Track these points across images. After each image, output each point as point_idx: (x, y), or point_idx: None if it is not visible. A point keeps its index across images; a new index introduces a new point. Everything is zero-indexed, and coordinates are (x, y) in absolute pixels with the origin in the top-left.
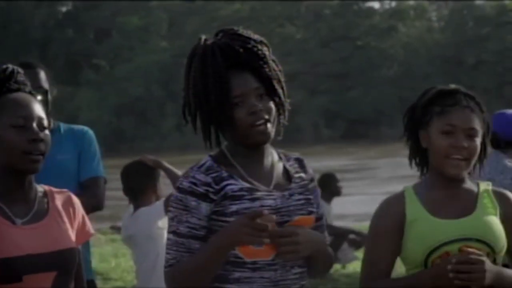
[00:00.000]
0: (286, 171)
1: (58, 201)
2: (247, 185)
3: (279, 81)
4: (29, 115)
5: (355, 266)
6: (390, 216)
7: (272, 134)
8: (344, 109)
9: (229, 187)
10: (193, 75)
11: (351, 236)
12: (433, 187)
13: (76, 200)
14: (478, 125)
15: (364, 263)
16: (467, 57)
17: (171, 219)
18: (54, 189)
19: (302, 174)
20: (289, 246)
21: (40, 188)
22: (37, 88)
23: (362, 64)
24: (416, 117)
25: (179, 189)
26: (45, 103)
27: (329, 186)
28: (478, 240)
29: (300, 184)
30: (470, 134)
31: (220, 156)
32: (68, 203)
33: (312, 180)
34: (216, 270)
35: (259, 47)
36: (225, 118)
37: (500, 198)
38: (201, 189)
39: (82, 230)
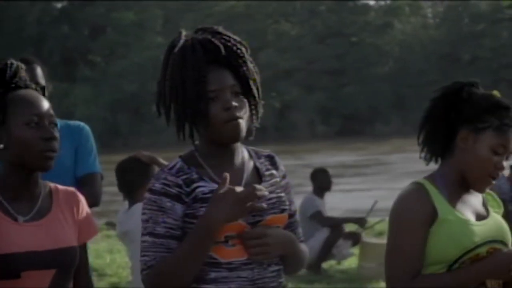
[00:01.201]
0: (256, 169)
1: (63, 198)
2: (217, 186)
3: (255, 81)
4: (42, 113)
5: (350, 263)
6: (419, 211)
7: (244, 132)
8: (340, 105)
9: (199, 189)
10: (171, 67)
11: (347, 229)
12: (453, 188)
13: (81, 198)
14: None
15: (394, 264)
16: (462, 54)
17: (145, 221)
18: (59, 187)
19: (273, 171)
20: (259, 248)
21: (46, 185)
22: (34, 84)
23: (357, 60)
24: (466, 114)
25: (152, 191)
26: None
27: (320, 181)
28: (501, 242)
29: (271, 182)
30: (508, 156)
31: (190, 157)
32: (72, 201)
33: (284, 176)
34: (203, 257)
35: (239, 46)
36: (199, 112)
37: (498, 199)
38: (174, 190)
39: (86, 228)
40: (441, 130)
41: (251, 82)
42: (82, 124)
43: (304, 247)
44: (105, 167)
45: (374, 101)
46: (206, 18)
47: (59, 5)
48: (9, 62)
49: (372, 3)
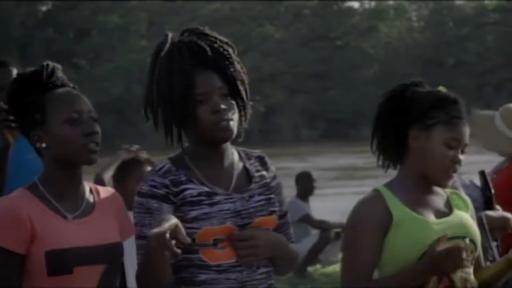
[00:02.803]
0: (246, 170)
1: (104, 197)
2: (205, 189)
3: (243, 83)
4: (81, 109)
5: (335, 266)
6: (374, 216)
7: (235, 132)
8: (324, 109)
9: (187, 191)
10: (158, 71)
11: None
12: (411, 190)
13: (119, 197)
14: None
15: (348, 266)
16: (447, 58)
17: (135, 224)
18: (98, 186)
19: (264, 173)
20: (247, 250)
21: (87, 185)
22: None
23: (342, 64)
24: (413, 113)
25: (140, 194)
26: None
27: (303, 185)
28: (465, 238)
29: (261, 184)
30: (463, 150)
31: (178, 159)
32: (113, 200)
33: (274, 177)
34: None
35: (225, 47)
36: (187, 116)
37: (465, 198)
38: (161, 191)
39: (125, 227)
40: (391, 135)
41: (238, 83)
42: None
43: (294, 248)
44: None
45: (359, 105)
46: (190, 21)
47: (43, 8)
48: (45, 63)
49: (357, 6)
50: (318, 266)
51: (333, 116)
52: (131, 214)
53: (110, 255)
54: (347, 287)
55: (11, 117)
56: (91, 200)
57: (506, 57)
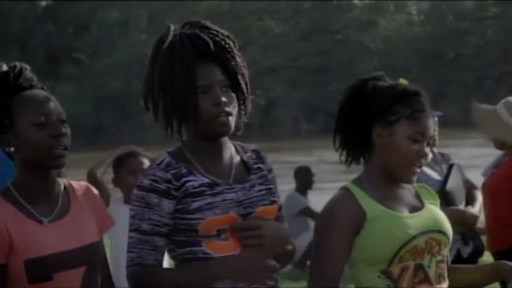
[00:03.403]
0: (244, 163)
1: (79, 194)
2: (207, 180)
3: (243, 76)
4: (49, 111)
5: None
6: (346, 214)
7: (233, 127)
8: (324, 103)
9: (189, 183)
10: (159, 63)
11: None
12: (380, 185)
13: (95, 191)
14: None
15: (317, 267)
16: (446, 51)
17: (132, 217)
18: (72, 182)
19: (261, 165)
20: (253, 240)
21: (61, 182)
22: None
23: (342, 57)
24: (374, 110)
25: (140, 187)
26: None
27: (302, 179)
28: (439, 232)
29: (259, 175)
30: (429, 142)
31: (178, 153)
32: (88, 195)
33: (270, 170)
34: None
35: (227, 40)
36: (188, 108)
37: (432, 192)
38: (162, 186)
39: (104, 219)
40: (354, 132)
41: (239, 77)
42: None
43: (292, 241)
44: (90, 164)
45: None
46: (190, 16)
47: (43, 3)
48: (12, 64)
49: (356, 0)
50: None
51: (333, 109)
52: (127, 207)
53: (90, 256)
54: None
55: None
56: (66, 199)
57: (506, 51)
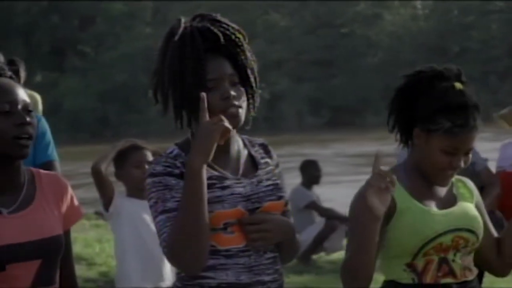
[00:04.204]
0: (251, 157)
1: (46, 185)
2: (215, 173)
3: (253, 71)
4: (14, 100)
5: (339, 254)
6: None
7: (242, 120)
8: (329, 96)
9: None
10: (170, 56)
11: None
12: (416, 177)
13: (64, 182)
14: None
15: (349, 252)
16: (451, 45)
17: (155, 204)
18: (42, 171)
19: (268, 160)
20: (259, 234)
21: (28, 171)
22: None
23: (346, 51)
24: (420, 112)
25: (153, 174)
26: None
27: (308, 173)
28: (468, 230)
29: (267, 170)
30: (467, 153)
31: (186, 145)
32: (56, 186)
33: (277, 165)
34: (201, 208)
35: (237, 34)
36: (198, 101)
37: (470, 186)
38: (177, 171)
39: (71, 213)
40: (402, 122)
41: (249, 71)
42: (39, 116)
43: (298, 236)
44: (95, 157)
45: (364, 92)
46: (196, 9)
47: None
48: None
49: None
50: (322, 253)
51: (337, 103)
52: (131, 200)
53: (47, 250)
54: (350, 277)
55: None
56: (32, 190)
57: (510, 45)
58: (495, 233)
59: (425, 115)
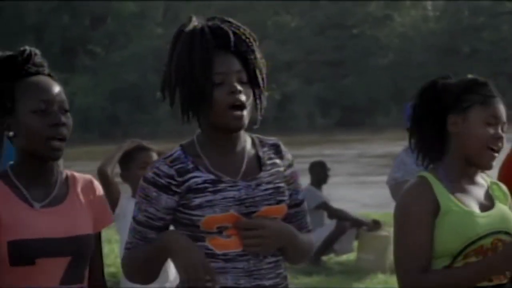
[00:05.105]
0: (258, 158)
1: (79, 186)
2: (211, 176)
3: (261, 71)
4: (50, 99)
5: (349, 255)
6: (423, 204)
7: (246, 122)
8: (339, 97)
9: (193, 180)
10: (179, 49)
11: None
12: (456, 178)
13: (97, 186)
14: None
15: (403, 259)
16: (462, 47)
17: (135, 204)
18: (76, 174)
19: (277, 161)
20: (254, 240)
21: (62, 172)
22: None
23: (357, 52)
24: (447, 101)
25: (144, 178)
26: None
27: (317, 173)
28: (506, 233)
29: (271, 172)
30: (503, 128)
31: (189, 146)
32: (88, 189)
33: (289, 165)
34: (159, 267)
35: (248, 35)
36: (204, 95)
37: (504, 189)
38: (163, 181)
39: (101, 216)
40: (430, 126)
41: (257, 71)
42: None
43: (308, 237)
44: (98, 157)
45: (374, 93)
46: (206, 9)
47: None
48: (22, 49)
49: None
50: (332, 255)
51: (348, 104)
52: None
53: (77, 248)
54: (408, 278)
55: None
56: (64, 189)
57: None
58: None
59: (454, 98)
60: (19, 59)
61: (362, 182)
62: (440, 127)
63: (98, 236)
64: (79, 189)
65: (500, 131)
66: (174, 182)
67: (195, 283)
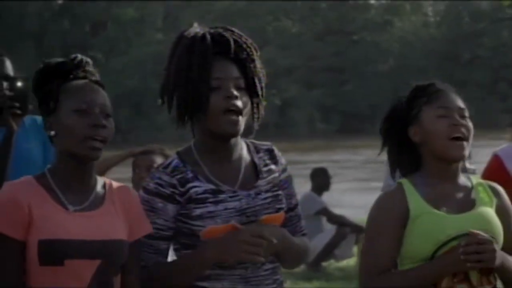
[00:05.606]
0: (254, 165)
1: (116, 193)
2: (211, 186)
3: (260, 80)
4: (92, 101)
5: (349, 261)
6: (393, 210)
7: (241, 129)
8: (340, 103)
9: (193, 189)
10: (178, 53)
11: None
12: (434, 183)
13: (134, 194)
14: (464, 106)
15: (365, 261)
16: (462, 52)
17: None
18: (114, 182)
19: (272, 166)
20: (252, 248)
21: (101, 179)
22: (4, 76)
23: (357, 58)
24: (402, 115)
25: (146, 190)
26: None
27: (318, 180)
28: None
29: (268, 179)
30: (462, 115)
31: (187, 153)
32: (125, 197)
33: (284, 170)
34: (194, 278)
35: (249, 44)
36: (200, 99)
37: (494, 191)
38: (167, 191)
39: (138, 224)
40: (398, 147)
41: (256, 80)
42: None
43: (303, 241)
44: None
45: (374, 99)
46: (206, 14)
47: (59, 1)
48: (73, 56)
49: (372, 1)
50: (332, 260)
51: (348, 110)
52: None
53: (108, 251)
54: (364, 279)
55: (16, 104)
56: (101, 195)
57: None
58: None
59: (406, 112)
60: (68, 65)
61: (370, 188)
62: (409, 143)
63: (136, 244)
64: (116, 197)
65: (457, 118)
66: (177, 192)
67: (256, 250)
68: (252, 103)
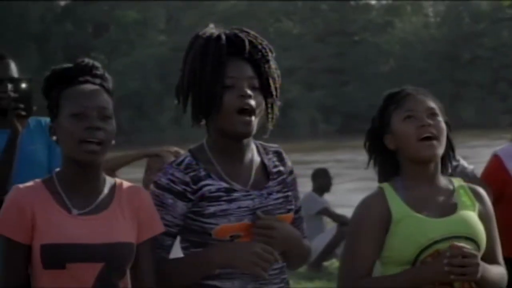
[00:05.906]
0: (264, 166)
1: (125, 195)
2: (224, 185)
3: (274, 80)
4: (90, 104)
5: None
6: (374, 215)
7: (254, 129)
8: (340, 104)
9: (206, 188)
10: (193, 53)
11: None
12: (414, 187)
13: (144, 194)
14: (435, 106)
15: (345, 263)
16: (463, 53)
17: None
18: (125, 183)
19: (281, 168)
20: (261, 262)
21: (111, 180)
22: (9, 78)
23: (358, 59)
24: (376, 127)
25: (157, 185)
26: (25, 91)
27: (319, 180)
28: (467, 238)
29: (278, 180)
30: (432, 113)
31: (199, 151)
32: (134, 197)
33: (291, 172)
34: (199, 278)
35: (264, 45)
36: (214, 97)
37: (476, 195)
38: (179, 188)
39: (148, 224)
40: (380, 152)
41: (270, 80)
42: None
43: (307, 242)
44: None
45: (375, 100)
46: (208, 16)
47: (62, 2)
48: (79, 60)
49: (373, 2)
50: (333, 260)
51: (349, 110)
52: None
53: (111, 254)
54: (343, 283)
55: (21, 106)
56: (109, 197)
57: None
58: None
59: (378, 122)
60: (73, 70)
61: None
62: (389, 152)
63: (148, 243)
64: (124, 198)
65: (425, 119)
66: (189, 189)
67: (265, 264)
68: (266, 103)
